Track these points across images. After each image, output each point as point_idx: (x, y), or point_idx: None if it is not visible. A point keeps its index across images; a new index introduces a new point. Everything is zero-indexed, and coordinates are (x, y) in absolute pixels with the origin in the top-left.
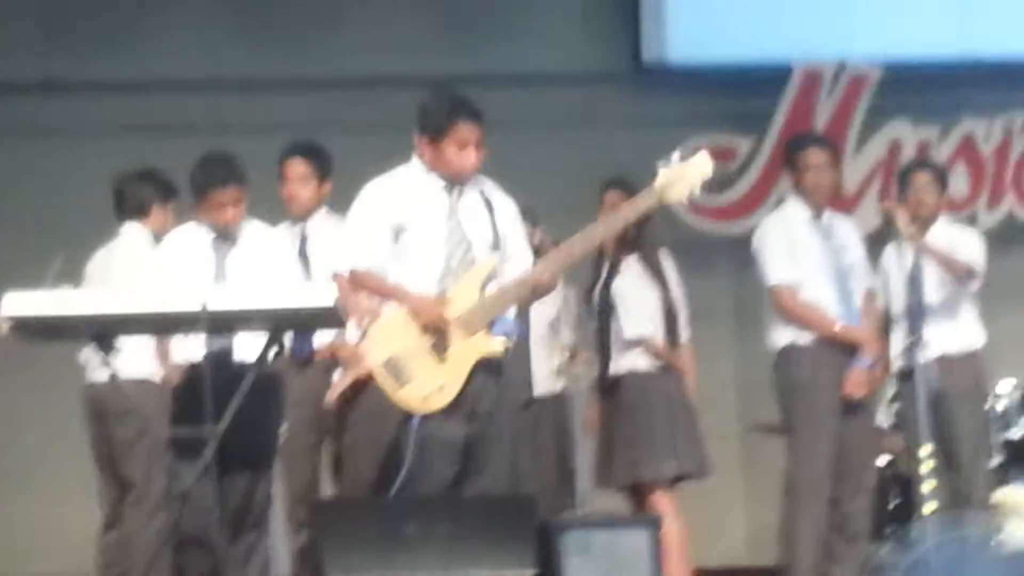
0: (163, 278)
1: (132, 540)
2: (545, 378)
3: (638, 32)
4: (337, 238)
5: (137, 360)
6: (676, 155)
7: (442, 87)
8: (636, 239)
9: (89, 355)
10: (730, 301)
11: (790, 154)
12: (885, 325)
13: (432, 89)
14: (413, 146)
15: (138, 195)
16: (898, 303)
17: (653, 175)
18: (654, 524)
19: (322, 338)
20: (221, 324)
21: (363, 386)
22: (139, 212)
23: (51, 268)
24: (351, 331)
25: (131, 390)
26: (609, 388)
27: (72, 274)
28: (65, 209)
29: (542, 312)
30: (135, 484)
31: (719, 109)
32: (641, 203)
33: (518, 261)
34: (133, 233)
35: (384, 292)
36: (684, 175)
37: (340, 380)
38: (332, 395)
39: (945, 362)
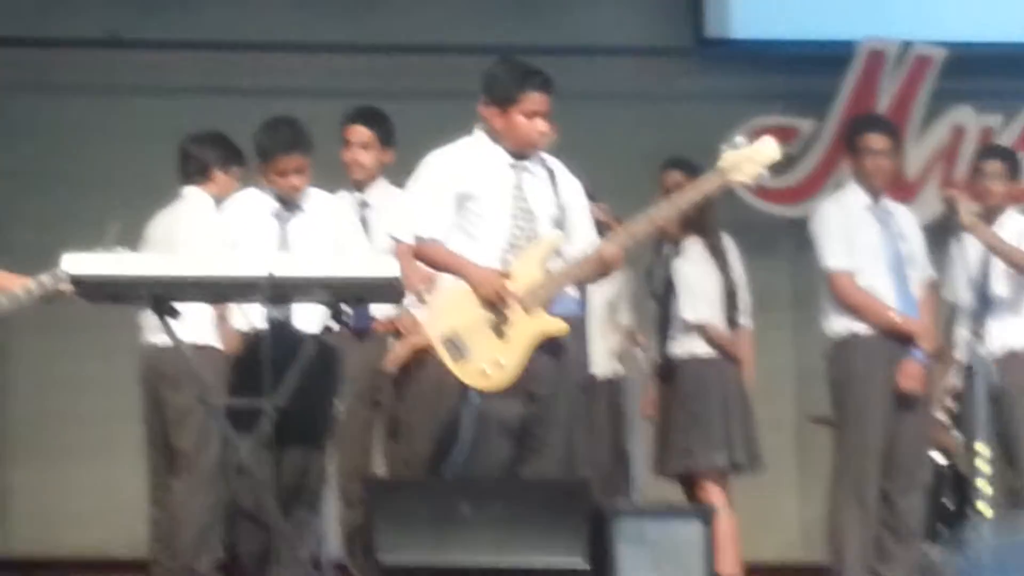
0: (225, 244)
1: (180, 513)
2: (601, 360)
3: (701, 7)
4: (398, 206)
5: (197, 326)
6: (742, 138)
7: (508, 58)
8: (699, 221)
9: (148, 319)
10: (789, 286)
11: (850, 137)
12: (949, 317)
13: (499, 58)
14: (476, 116)
15: (201, 158)
16: (963, 295)
17: (717, 155)
18: (708, 515)
19: (380, 310)
20: (282, 293)
21: (421, 357)
22: (201, 175)
23: (108, 231)
24: (408, 300)
25: (190, 356)
26: (667, 372)
27: (129, 235)
28: (126, 167)
29: (600, 292)
30: (186, 454)
31: (781, 88)
32: (705, 185)
33: (581, 238)
34: (195, 197)
35: (447, 262)
36: (750, 158)
37: (398, 348)
38: (391, 361)
39: (1009, 358)
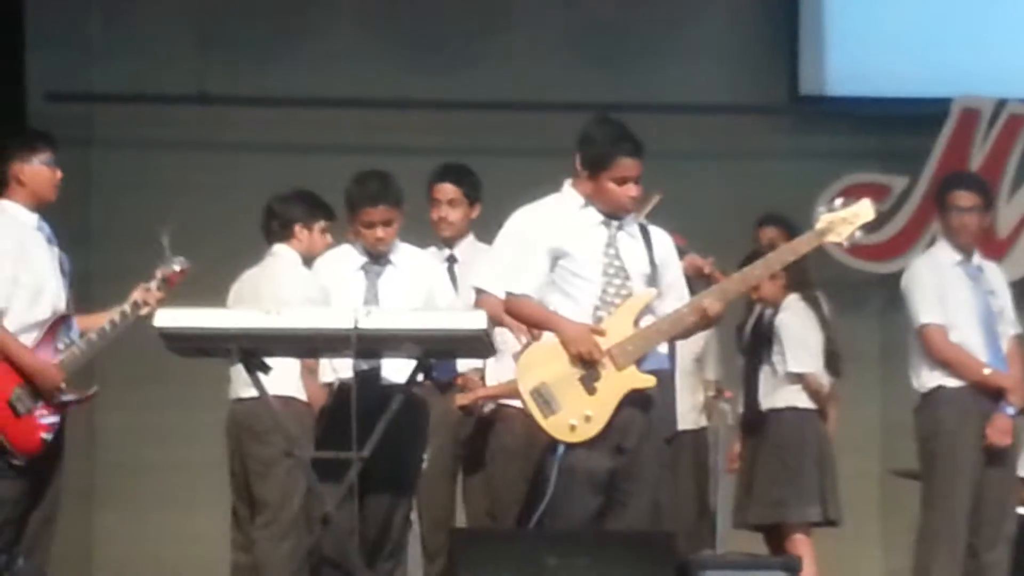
0: (311, 299)
1: (263, 562)
2: (687, 413)
3: (796, 64)
4: (488, 259)
5: (283, 378)
6: (839, 200)
7: (603, 117)
8: (798, 278)
9: (237, 372)
10: (877, 341)
11: (940, 195)
12: None
13: (593, 119)
14: (567, 173)
15: (285, 215)
16: None
17: (812, 213)
18: (794, 567)
19: (465, 364)
20: (371, 346)
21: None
22: (286, 232)
23: (162, 241)
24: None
25: (276, 408)
26: (755, 425)
27: (216, 289)
28: (216, 222)
29: (688, 347)
30: (268, 505)
31: (875, 145)
32: (801, 245)
33: (674, 296)
34: (283, 253)
35: (539, 318)
36: (845, 219)
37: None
38: (462, 400)
39: None
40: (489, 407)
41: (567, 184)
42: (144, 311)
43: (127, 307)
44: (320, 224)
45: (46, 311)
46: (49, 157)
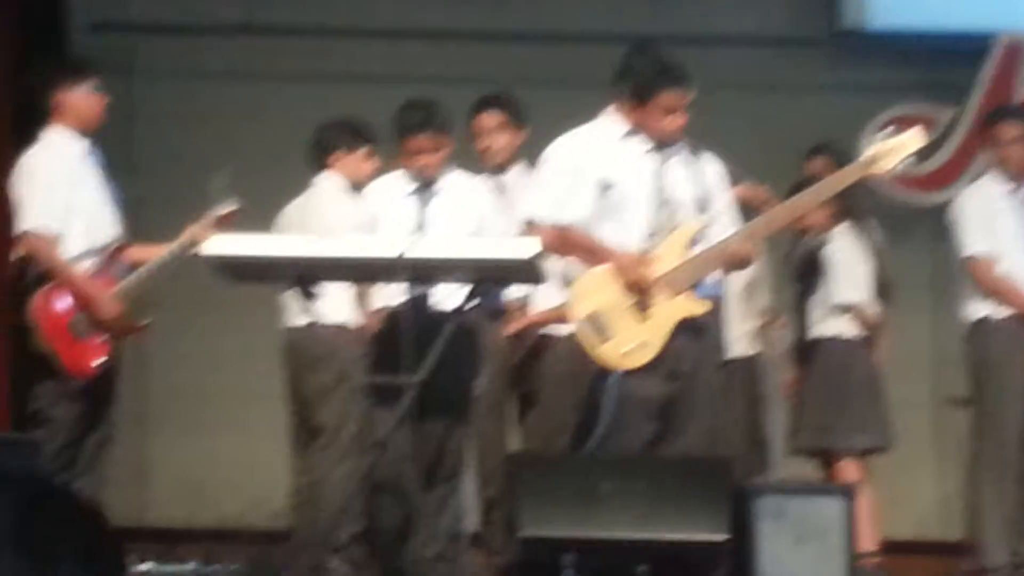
0: (359, 226)
1: (321, 485)
2: (738, 341)
3: None
4: (535, 190)
5: (335, 306)
6: (888, 129)
7: (643, 45)
8: (847, 207)
9: (289, 299)
10: (926, 272)
11: (986, 126)
12: None
13: (634, 48)
14: (611, 103)
15: (328, 143)
16: None
17: (855, 145)
18: (850, 493)
19: (514, 291)
20: (421, 273)
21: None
22: (330, 159)
23: (214, 183)
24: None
25: (329, 335)
26: (806, 353)
27: (263, 218)
28: (261, 152)
29: (739, 275)
30: (327, 429)
31: (918, 77)
32: (849, 174)
33: (724, 224)
34: (328, 181)
35: (589, 248)
36: (893, 148)
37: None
38: (513, 327)
39: None
40: (535, 334)
41: (607, 111)
42: (195, 249)
43: (179, 244)
44: (363, 150)
45: (101, 238)
46: (95, 84)
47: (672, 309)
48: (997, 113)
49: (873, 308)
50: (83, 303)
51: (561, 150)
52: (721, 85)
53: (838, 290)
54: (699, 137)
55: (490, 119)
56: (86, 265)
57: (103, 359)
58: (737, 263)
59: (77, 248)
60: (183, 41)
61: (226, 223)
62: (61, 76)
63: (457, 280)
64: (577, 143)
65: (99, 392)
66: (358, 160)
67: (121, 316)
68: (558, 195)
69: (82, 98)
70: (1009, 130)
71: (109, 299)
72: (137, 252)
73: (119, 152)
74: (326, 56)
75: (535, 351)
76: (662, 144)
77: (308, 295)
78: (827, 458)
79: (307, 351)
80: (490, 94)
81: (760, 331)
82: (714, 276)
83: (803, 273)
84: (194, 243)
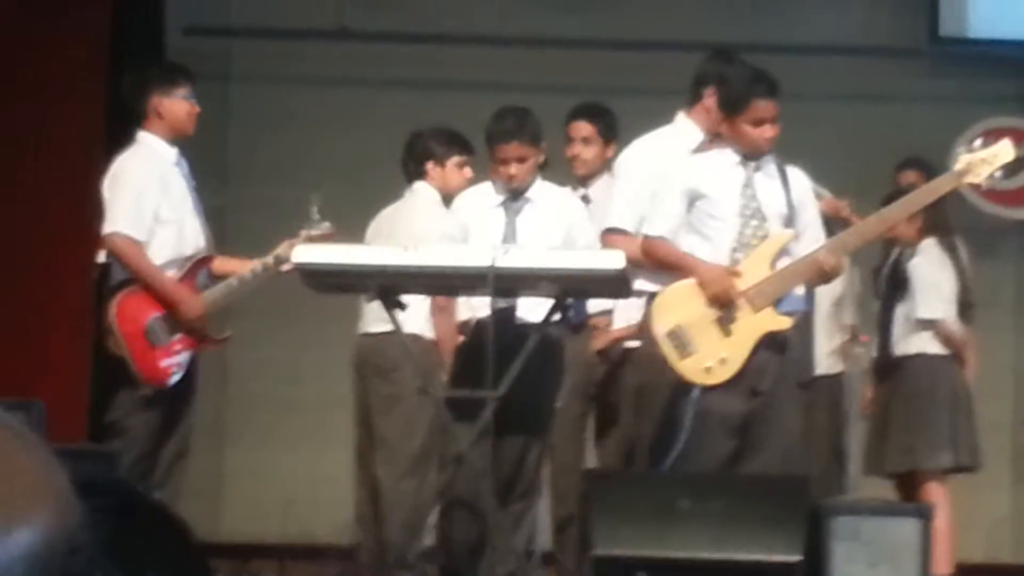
0: (450, 235)
1: (386, 499)
2: (825, 357)
3: (937, 5)
4: (618, 198)
5: (411, 316)
6: (979, 141)
7: (728, 55)
8: (937, 221)
9: (368, 307)
10: (1012, 288)
11: None
12: None
13: (717, 58)
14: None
15: (424, 152)
16: None
17: (951, 156)
18: (927, 514)
19: (596, 304)
20: (508, 284)
21: (628, 352)
22: (424, 169)
23: (312, 205)
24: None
25: (402, 345)
26: (888, 370)
27: (355, 226)
28: (355, 159)
29: (827, 290)
30: (388, 442)
31: (1014, 90)
32: (939, 186)
33: (810, 238)
34: (422, 191)
35: (675, 260)
36: (985, 160)
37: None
38: (599, 343)
39: None
40: (619, 349)
41: (681, 116)
42: (285, 267)
43: (270, 259)
44: (455, 159)
45: (187, 247)
46: (188, 91)
47: (756, 324)
48: None
49: (957, 325)
50: (167, 305)
51: (644, 156)
52: (815, 95)
53: (921, 306)
54: (793, 147)
55: (581, 128)
56: (170, 274)
57: (179, 367)
58: (823, 277)
59: (162, 257)
60: (278, 46)
61: (319, 243)
62: (156, 81)
63: (544, 292)
64: (660, 150)
65: (175, 402)
66: (451, 170)
67: (203, 324)
68: (644, 205)
69: (175, 105)
70: None
71: (195, 299)
72: (223, 264)
73: (211, 158)
74: (421, 63)
75: (617, 366)
76: (750, 156)
77: (396, 304)
78: (908, 480)
79: (379, 359)
80: (585, 103)
81: (844, 347)
82: (800, 291)
83: (889, 288)
84: (281, 261)
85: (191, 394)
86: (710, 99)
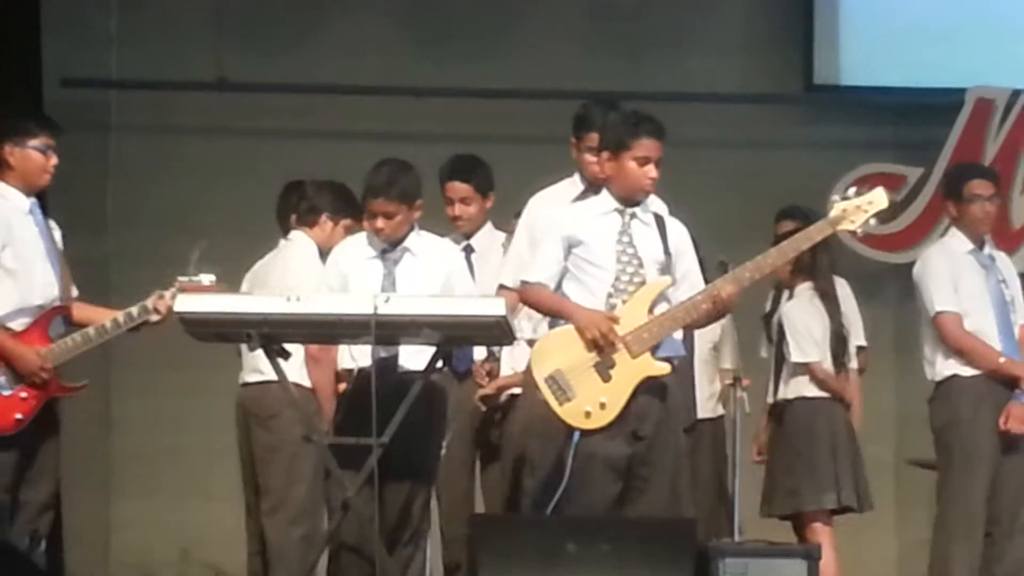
0: (329, 286)
1: (275, 550)
2: (705, 402)
3: (811, 54)
4: (509, 256)
5: (288, 364)
6: (853, 189)
7: (609, 103)
8: (810, 266)
9: (245, 357)
10: (892, 330)
11: (953, 184)
12: None
13: (595, 105)
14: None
15: (315, 201)
16: None
17: (826, 202)
18: (815, 555)
19: (481, 352)
20: (390, 332)
21: (521, 398)
22: (311, 219)
23: (193, 255)
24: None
25: (280, 393)
26: (777, 414)
27: (213, 262)
28: (234, 208)
29: (705, 336)
30: (273, 490)
31: (889, 135)
32: (815, 233)
33: (688, 284)
34: (301, 241)
35: (553, 306)
36: (859, 208)
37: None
38: (485, 391)
39: None
40: (504, 396)
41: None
42: (153, 319)
43: (134, 310)
44: (346, 221)
45: (36, 297)
46: (43, 143)
47: (634, 369)
48: (966, 170)
49: (830, 368)
50: (4, 358)
51: (532, 212)
52: (695, 142)
53: (793, 350)
54: (673, 193)
55: (458, 190)
56: (16, 324)
57: (25, 415)
58: (721, 307)
59: (7, 306)
60: (158, 97)
61: (201, 292)
62: (8, 131)
63: (425, 339)
64: (545, 203)
65: (29, 447)
66: (338, 229)
67: (48, 375)
68: (526, 255)
69: (26, 156)
70: (982, 187)
71: (30, 354)
72: (85, 312)
73: (92, 208)
74: (301, 113)
75: (502, 413)
76: (629, 201)
77: (280, 353)
78: (799, 522)
79: (257, 409)
80: (459, 159)
81: (725, 391)
82: (678, 336)
83: (778, 333)
84: (148, 312)
85: (49, 442)
86: (591, 144)
